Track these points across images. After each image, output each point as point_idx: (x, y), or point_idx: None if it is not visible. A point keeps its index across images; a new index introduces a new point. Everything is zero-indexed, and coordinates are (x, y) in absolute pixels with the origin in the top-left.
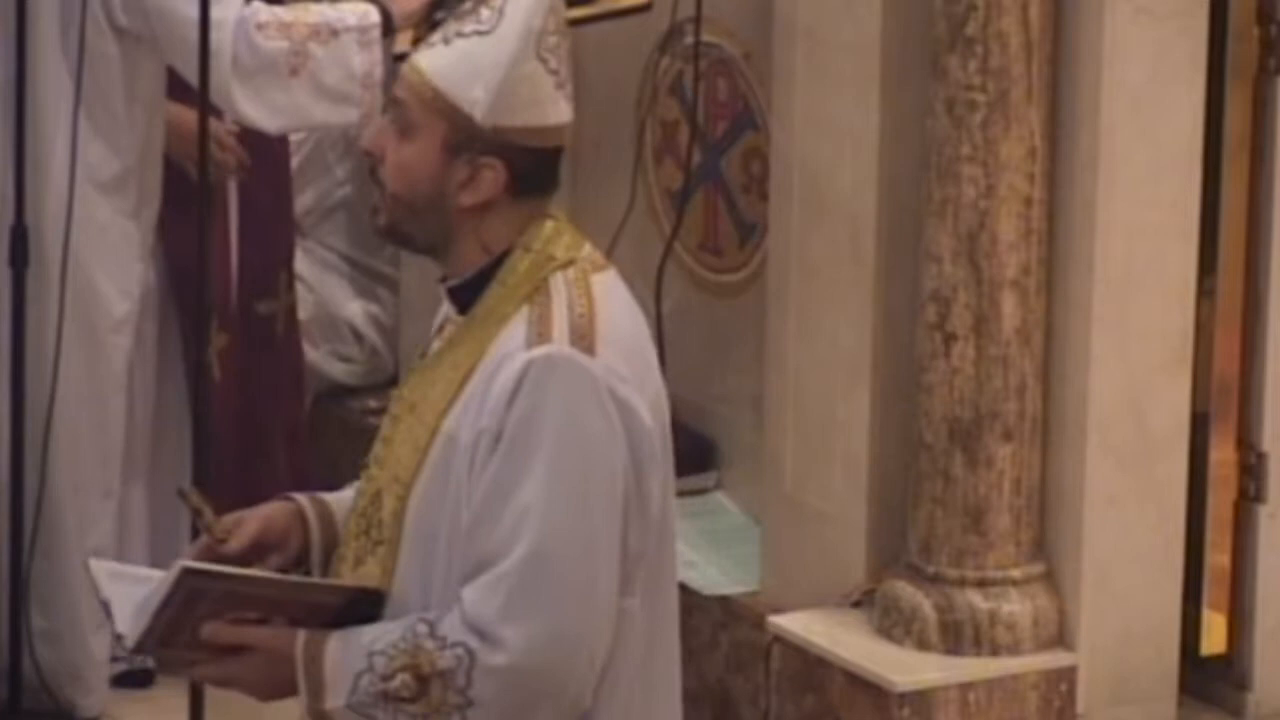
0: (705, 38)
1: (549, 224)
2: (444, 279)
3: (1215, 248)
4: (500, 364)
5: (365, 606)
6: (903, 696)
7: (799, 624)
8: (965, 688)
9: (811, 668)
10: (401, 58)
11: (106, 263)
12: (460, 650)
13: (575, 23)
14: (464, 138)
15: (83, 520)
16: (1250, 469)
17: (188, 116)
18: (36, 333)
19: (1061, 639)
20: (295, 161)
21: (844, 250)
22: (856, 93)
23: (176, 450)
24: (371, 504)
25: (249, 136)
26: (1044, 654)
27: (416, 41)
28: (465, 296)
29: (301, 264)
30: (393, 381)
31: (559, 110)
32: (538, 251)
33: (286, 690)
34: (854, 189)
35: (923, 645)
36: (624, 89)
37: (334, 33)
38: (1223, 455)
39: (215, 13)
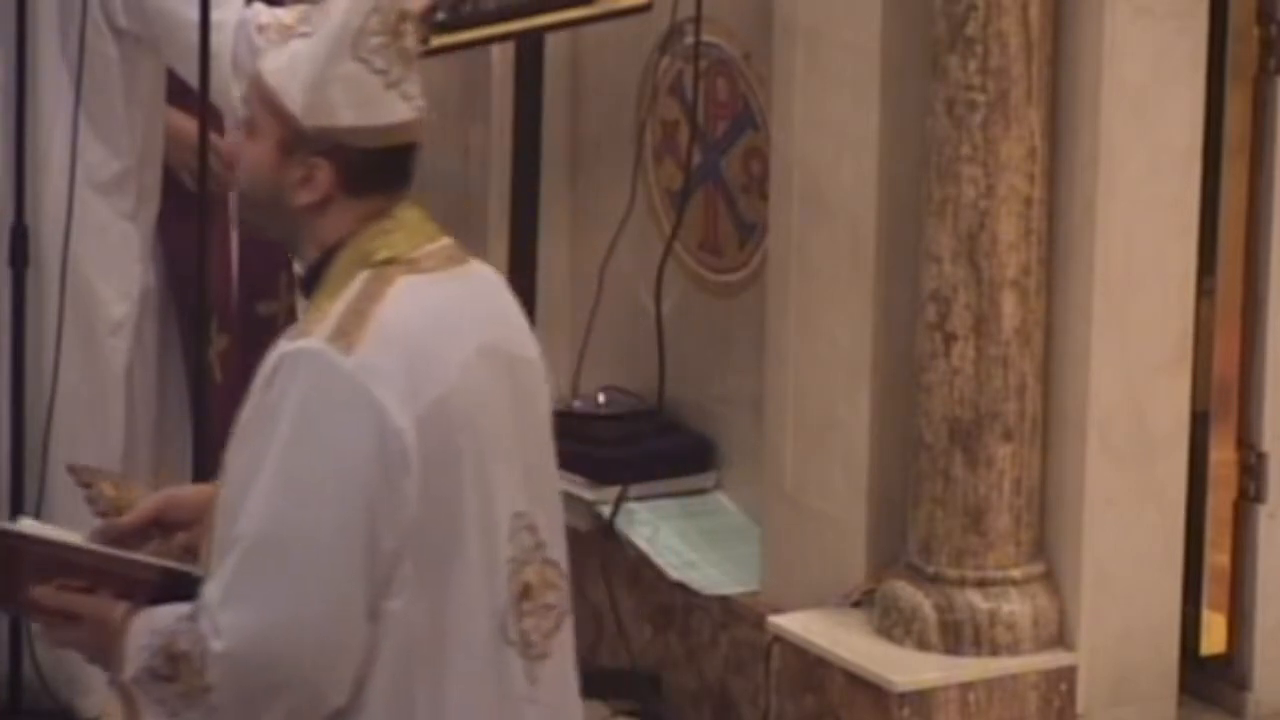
0: (705, 38)
1: (386, 222)
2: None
3: (1215, 247)
4: (267, 357)
5: (186, 586)
6: (903, 696)
7: (799, 624)
8: (965, 688)
9: (811, 668)
10: None
11: (105, 264)
12: (194, 635)
13: (575, 23)
14: (295, 138)
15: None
16: (1250, 469)
17: (188, 125)
18: (35, 334)
19: (1061, 639)
20: None
21: (844, 250)
22: (856, 93)
23: (178, 452)
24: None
25: None
26: (1044, 654)
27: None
28: (306, 288)
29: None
30: None
31: (394, 110)
32: (356, 249)
33: (103, 653)
34: (854, 189)
35: (923, 645)
36: (624, 89)
37: None
38: (1223, 455)
39: (215, 15)
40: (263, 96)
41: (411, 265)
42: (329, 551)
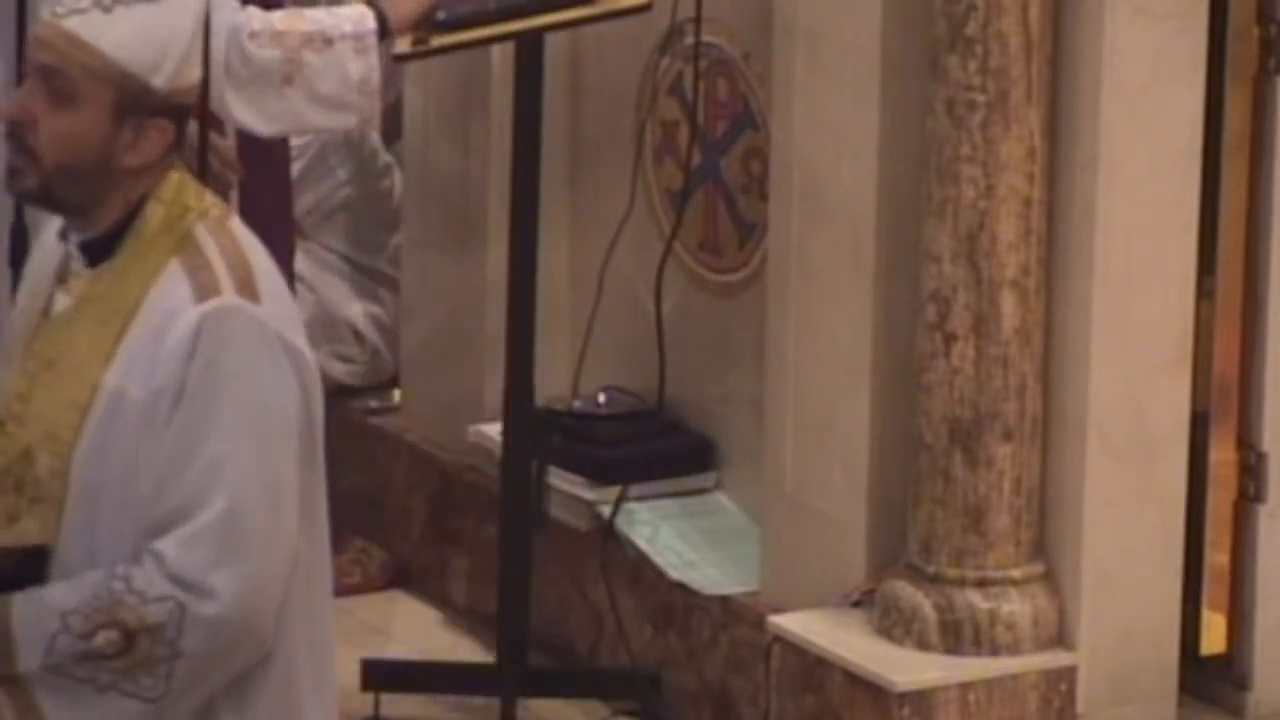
0: (705, 38)
1: (174, 175)
2: (64, 233)
3: (1215, 247)
4: (168, 319)
5: (34, 565)
6: (903, 696)
7: (799, 624)
8: (965, 688)
9: (811, 668)
10: (401, 58)
11: None
12: (171, 604)
13: (575, 23)
14: (132, 103)
15: None
16: (1250, 469)
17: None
18: None
19: (1061, 639)
20: (299, 166)
21: (844, 250)
22: (856, 93)
23: None
24: (19, 462)
25: (250, 140)
26: (1044, 654)
27: (417, 43)
28: (98, 251)
29: (302, 265)
30: (394, 382)
31: (199, 66)
32: (170, 202)
33: None
34: (854, 189)
35: (923, 645)
36: (624, 89)
37: (328, 41)
38: (1223, 455)
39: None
40: (94, 65)
41: (221, 212)
42: (288, 500)
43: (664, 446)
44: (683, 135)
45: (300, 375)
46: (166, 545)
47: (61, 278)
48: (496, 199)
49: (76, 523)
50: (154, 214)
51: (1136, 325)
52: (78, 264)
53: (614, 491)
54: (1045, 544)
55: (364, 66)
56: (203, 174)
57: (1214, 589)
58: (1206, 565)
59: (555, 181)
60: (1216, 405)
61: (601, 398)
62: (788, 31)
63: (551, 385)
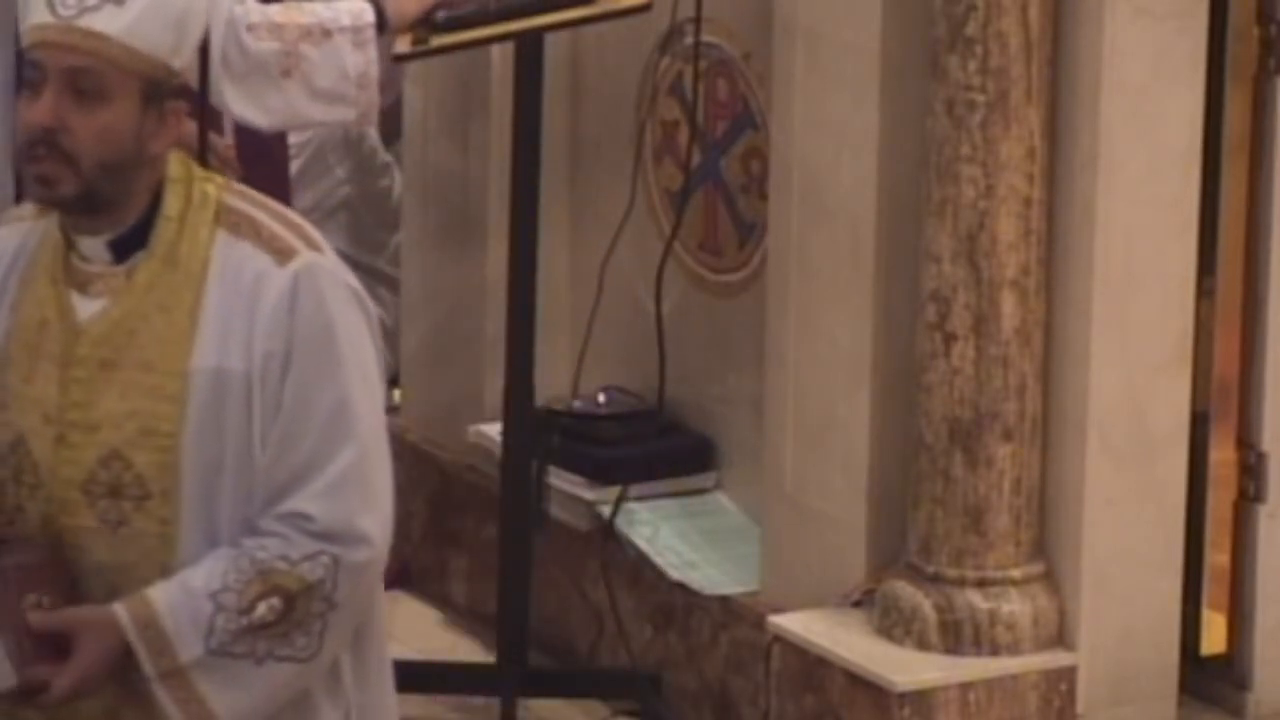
0: (705, 38)
1: (171, 153)
2: (66, 238)
3: (1215, 247)
4: (257, 287)
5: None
6: (903, 696)
7: (799, 624)
8: (965, 688)
9: (811, 668)
10: (401, 58)
11: None
12: (325, 558)
13: (575, 23)
14: (156, 89)
15: None
16: (1250, 469)
17: (187, 128)
18: None
19: (1061, 639)
20: (297, 165)
21: (844, 250)
22: (856, 93)
23: None
24: (107, 467)
25: (248, 137)
26: (1044, 654)
27: (416, 42)
28: (128, 244)
29: None
30: (394, 382)
31: None
32: (183, 179)
33: (114, 666)
34: (854, 189)
35: (923, 645)
36: (624, 89)
37: (327, 33)
38: (1223, 455)
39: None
40: (120, 59)
41: (217, 175)
42: (387, 440)
43: (664, 446)
44: (683, 135)
45: (368, 320)
46: (305, 504)
47: (73, 282)
48: (496, 199)
49: (195, 509)
50: (174, 194)
51: (1136, 325)
52: (95, 263)
53: (614, 491)
54: (1045, 544)
55: (362, 60)
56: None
57: (1214, 589)
58: (1206, 565)
59: (555, 181)
60: (1216, 405)
61: (601, 398)
62: (788, 31)
63: (551, 385)
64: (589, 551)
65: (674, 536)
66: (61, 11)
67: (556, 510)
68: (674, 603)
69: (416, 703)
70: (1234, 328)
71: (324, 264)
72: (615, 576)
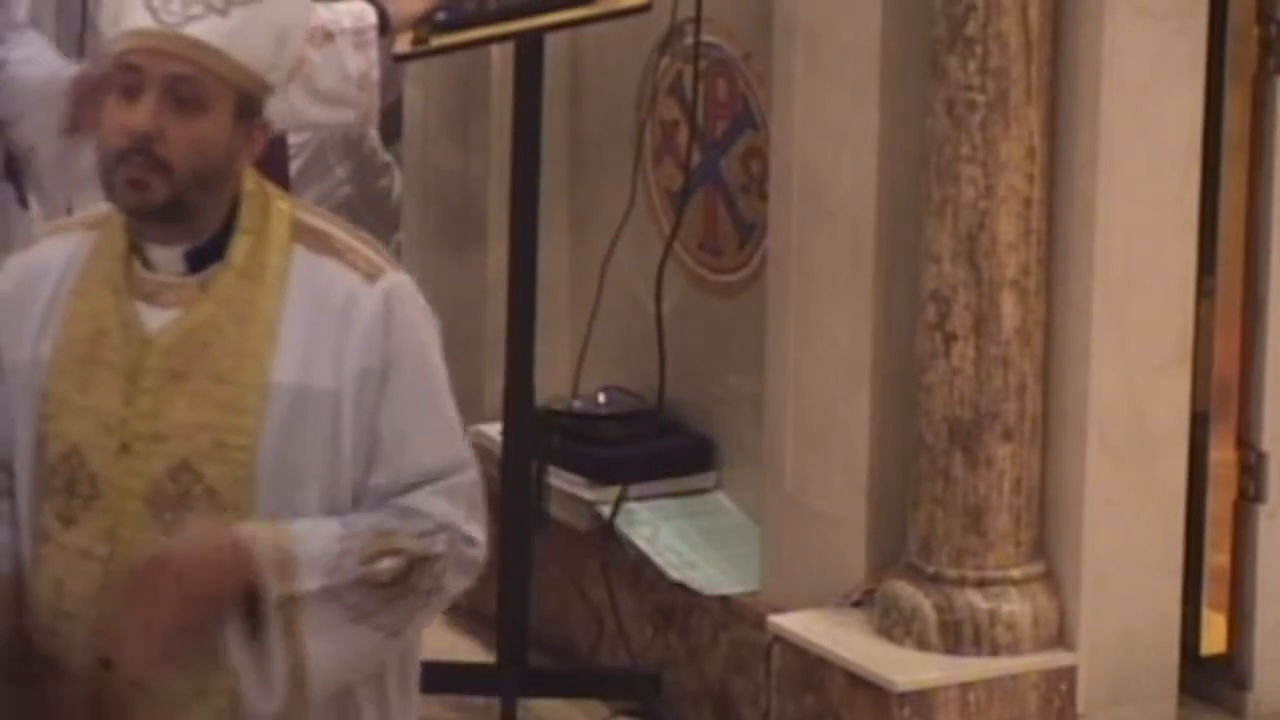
0: (705, 38)
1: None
2: (132, 248)
3: (1215, 247)
4: (348, 305)
5: None
6: (903, 696)
7: (799, 624)
8: (965, 688)
9: (811, 668)
10: (402, 58)
11: None
12: (446, 537)
13: (575, 23)
14: (249, 103)
15: None
16: (1250, 469)
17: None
18: None
19: (1061, 639)
20: (297, 165)
21: (844, 250)
22: (856, 93)
23: None
24: (175, 479)
25: None
26: (1044, 654)
27: (417, 43)
28: (204, 255)
29: None
30: None
31: None
32: (255, 193)
33: (234, 585)
34: (854, 189)
35: (923, 645)
36: (624, 89)
37: (328, 36)
38: (1223, 455)
39: None
40: (220, 69)
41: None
42: None
43: (664, 446)
44: (682, 135)
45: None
46: (422, 499)
47: (139, 293)
48: (496, 199)
49: (271, 518)
50: (250, 208)
51: (1136, 325)
52: (165, 273)
53: (614, 491)
54: (1045, 544)
55: (363, 62)
56: None
57: (1214, 589)
58: (1206, 565)
59: (555, 181)
60: (1216, 405)
61: (601, 398)
62: (788, 31)
63: (551, 385)
64: (589, 551)
65: (674, 536)
66: (165, 18)
67: (556, 510)
68: (674, 603)
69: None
70: (1234, 328)
71: (407, 282)
72: (615, 576)
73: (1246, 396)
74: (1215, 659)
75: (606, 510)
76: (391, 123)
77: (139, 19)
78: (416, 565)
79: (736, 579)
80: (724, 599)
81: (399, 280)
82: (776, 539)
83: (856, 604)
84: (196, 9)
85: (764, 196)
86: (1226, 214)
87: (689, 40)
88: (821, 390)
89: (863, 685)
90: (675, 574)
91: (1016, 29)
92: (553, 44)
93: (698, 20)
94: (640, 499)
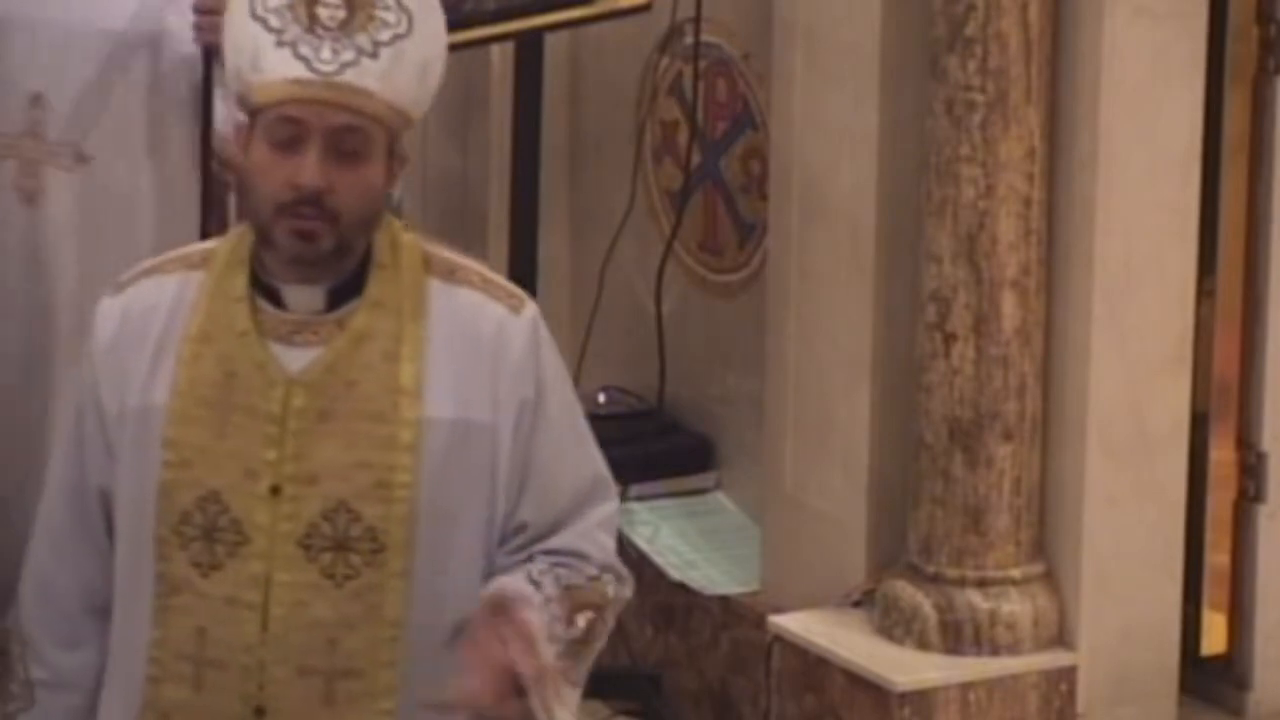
0: (705, 38)
1: None
2: (259, 287)
3: (1215, 248)
4: (499, 338)
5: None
6: (903, 696)
7: (799, 624)
8: (965, 687)
9: (811, 668)
10: None
11: None
12: (611, 578)
13: (575, 23)
14: (395, 138)
15: None
16: (1250, 469)
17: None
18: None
19: (1061, 639)
20: None
21: (844, 250)
22: (856, 93)
23: None
24: (331, 521)
25: None
26: (1044, 654)
27: None
28: (345, 291)
29: None
30: None
31: None
32: (383, 226)
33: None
34: (854, 189)
35: (923, 645)
36: (624, 89)
37: None
38: (1223, 455)
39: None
40: (379, 113)
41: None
42: None
43: (664, 446)
44: (682, 135)
45: None
46: (576, 539)
47: (271, 333)
48: (496, 199)
49: (428, 560)
50: (383, 241)
51: (1136, 325)
52: (298, 312)
53: None
54: (1045, 544)
55: None
56: (205, 169)
57: (1214, 589)
58: (1206, 565)
59: (555, 181)
60: (1216, 405)
61: (601, 397)
62: (788, 31)
63: None
64: None
65: (674, 536)
66: (321, 67)
67: None
68: (674, 603)
69: None
70: (1234, 328)
71: (537, 310)
72: None
73: (1246, 396)
74: (1215, 659)
75: None
76: None
77: (290, 69)
78: (604, 611)
79: (736, 579)
80: (724, 599)
81: (535, 310)
82: (776, 539)
83: (857, 604)
84: (348, 55)
85: (764, 197)
86: (1226, 214)
87: (689, 40)
88: (821, 390)
89: (863, 685)
90: (675, 574)
91: (1016, 29)
92: (553, 44)
93: (697, 20)
94: (640, 499)
